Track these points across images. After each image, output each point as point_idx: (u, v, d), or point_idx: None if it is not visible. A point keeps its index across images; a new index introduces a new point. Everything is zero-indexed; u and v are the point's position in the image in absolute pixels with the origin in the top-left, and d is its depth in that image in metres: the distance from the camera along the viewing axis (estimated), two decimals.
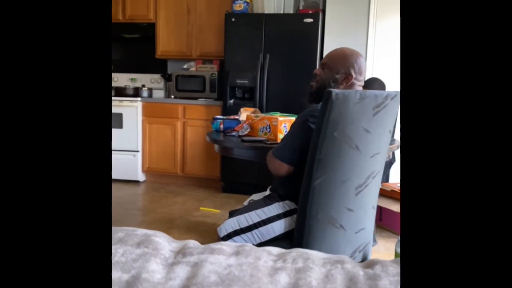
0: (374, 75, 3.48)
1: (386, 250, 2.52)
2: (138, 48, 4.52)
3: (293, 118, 2.09)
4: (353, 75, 1.53)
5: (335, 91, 1.31)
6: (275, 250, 0.43)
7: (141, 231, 0.45)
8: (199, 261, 0.39)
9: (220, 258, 0.39)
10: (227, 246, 0.42)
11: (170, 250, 0.42)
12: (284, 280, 0.36)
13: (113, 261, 0.38)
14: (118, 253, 0.40)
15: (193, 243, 0.44)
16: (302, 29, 3.45)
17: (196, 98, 3.96)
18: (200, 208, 3.31)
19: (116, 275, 0.37)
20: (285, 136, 1.55)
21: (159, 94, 4.42)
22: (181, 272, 0.38)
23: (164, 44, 4.15)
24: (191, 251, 0.40)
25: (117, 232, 0.43)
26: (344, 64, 1.54)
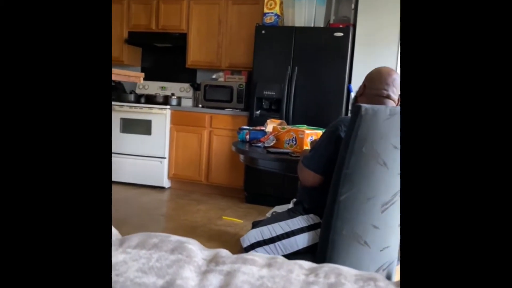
0: None
1: None
2: (169, 57, 4.63)
3: (320, 131, 2.08)
4: (366, 84, 1.58)
5: (364, 106, 1.31)
6: (306, 264, 0.43)
7: (175, 238, 0.46)
8: (232, 271, 0.39)
9: (252, 268, 0.39)
10: (259, 257, 0.42)
11: (202, 258, 0.43)
12: None
13: (148, 265, 0.39)
14: (153, 258, 0.41)
15: (225, 252, 0.45)
16: (332, 43, 3.45)
17: (223, 108, 4.01)
18: (223, 217, 3.33)
19: (151, 280, 0.38)
20: (315, 145, 1.55)
21: (187, 102, 4.50)
22: (214, 280, 0.39)
23: (195, 54, 4.23)
24: (223, 260, 0.41)
25: (151, 238, 0.45)
26: (365, 78, 1.62)
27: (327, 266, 0.43)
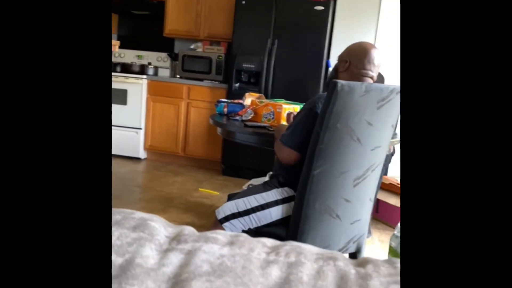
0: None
1: (380, 242, 2.54)
2: (146, 25, 4.48)
3: (297, 106, 2.08)
4: (351, 61, 1.53)
5: (340, 82, 1.30)
6: (269, 241, 0.44)
7: (139, 215, 0.45)
8: (193, 249, 0.39)
9: (214, 247, 0.39)
10: (222, 235, 0.42)
11: (165, 236, 0.42)
12: (275, 274, 0.37)
13: None
14: (114, 235, 0.40)
15: (188, 229, 0.45)
16: (313, 17, 3.41)
17: (201, 80, 3.94)
18: (199, 189, 3.34)
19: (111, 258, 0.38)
20: (293, 123, 1.55)
21: (164, 72, 4.40)
22: (175, 259, 0.39)
23: (173, 23, 4.11)
24: (185, 239, 0.41)
25: (115, 214, 0.44)
26: (347, 53, 1.58)
27: (289, 244, 0.43)
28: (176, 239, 0.41)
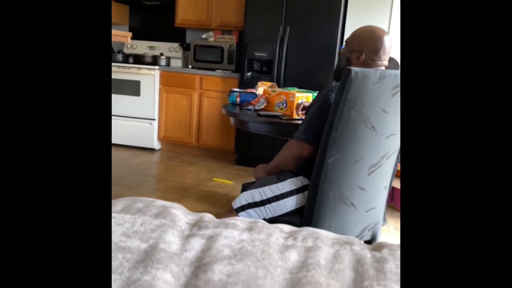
0: (395, 53, 3.39)
1: (395, 229, 2.53)
2: (158, 15, 4.49)
3: (310, 94, 2.07)
4: (366, 54, 1.50)
5: (354, 69, 1.30)
6: (286, 227, 0.45)
7: (160, 202, 0.46)
8: (214, 235, 0.40)
9: (233, 232, 0.41)
10: (241, 221, 0.43)
11: (186, 222, 0.44)
12: (293, 258, 0.38)
13: (132, 230, 0.40)
14: (137, 222, 0.42)
15: (208, 216, 0.46)
16: (325, 3, 3.37)
17: (213, 69, 3.95)
18: (214, 178, 3.36)
19: (135, 244, 0.39)
20: (307, 117, 1.54)
21: (177, 63, 4.42)
22: (196, 244, 0.40)
23: (184, 13, 4.11)
24: (206, 225, 0.42)
25: (136, 202, 0.45)
26: (359, 42, 1.53)
27: (306, 230, 0.44)
28: (196, 225, 0.42)
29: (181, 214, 0.44)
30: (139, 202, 0.45)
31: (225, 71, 3.91)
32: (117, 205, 0.44)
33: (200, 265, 0.36)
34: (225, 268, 0.35)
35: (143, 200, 0.46)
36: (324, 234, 0.43)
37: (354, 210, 1.51)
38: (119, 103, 4.11)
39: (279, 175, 1.63)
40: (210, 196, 2.99)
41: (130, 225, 0.40)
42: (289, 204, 1.56)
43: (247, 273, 0.34)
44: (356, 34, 1.56)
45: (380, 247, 0.41)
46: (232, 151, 3.91)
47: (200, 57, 4.02)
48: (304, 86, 2.97)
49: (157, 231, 0.41)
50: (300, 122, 1.83)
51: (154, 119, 4.09)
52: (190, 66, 4.10)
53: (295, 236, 0.41)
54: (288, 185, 1.57)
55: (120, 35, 2.40)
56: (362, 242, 0.47)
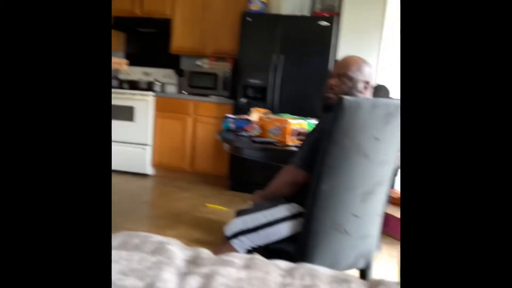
0: (386, 81, 3.46)
1: (389, 256, 2.52)
2: (153, 42, 4.55)
3: (304, 121, 2.10)
4: (371, 83, 1.57)
5: (347, 98, 1.32)
6: (283, 264, 0.45)
7: (156, 238, 0.46)
8: (211, 273, 0.40)
9: (231, 271, 0.40)
10: (238, 258, 0.43)
11: (183, 259, 0.44)
12: None
13: (129, 267, 0.40)
14: (134, 260, 0.42)
15: (205, 253, 0.46)
16: (317, 32, 3.45)
17: (207, 95, 3.98)
18: (206, 204, 3.34)
19: (132, 282, 0.39)
20: (304, 144, 1.55)
21: (171, 89, 4.45)
22: (194, 282, 0.40)
23: (179, 40, 4.17)
24: (203, 262, 0.42)
25: (132, 238, 0.45)
26: (362, 73, 1.59)
27: (303, 267, 0.44)
28: (194, 262, 0.42)
29: (178, 251, 0.44)
30: (136, 238, 0.45)
31: (220, 97, 3.94)
32: (113, 240, 0.44)
33: None
34: None
35: (140, 236, 0.46)
36: (321, 271, 0.43)
37: (348, 237, 1.50)
38: (114, 128, 4.11)
39: (273, 201, 1.63)
40: (203, 222, 2.96)
41: (126, 262, 0.40)
42: (283, 230, 1.55)
43: None
44: (357, 65, 1.61)
45: (377, 284, 0.41)
46: (225, 176, 3.90)
47: (195, 83, 4.06)
48: (298, 113, 3.00)
49: (154, 268, 0.40)
50: (294, 148, 1.84)
51: (148, 145, 4.09)
52: (184, 92, 4.13)
53: (293, 274, 0.41)
54: (281, 211, 1.57)
55: (116, 62, 2.43)
56: (357, 276, 0.47)
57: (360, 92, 1.59)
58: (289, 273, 0.42)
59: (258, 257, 0.45)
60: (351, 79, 1.59)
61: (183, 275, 0.41)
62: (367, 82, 1.58)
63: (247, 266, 0.41)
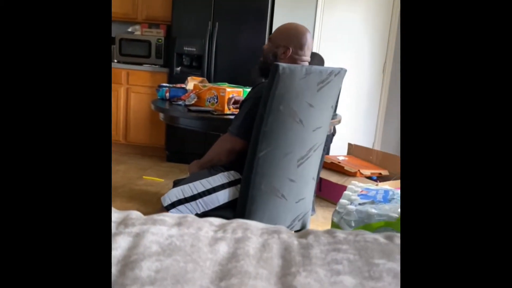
0: (320, 51, 3.54)
1: (324, 219, 2.66)
2: None
3: (241, 89, 2.09)
4: (292, 49, 1.56)
5: (282, 65, 1.33)
6: (217, 221, 0.45)
7: None
8: (141, 232, 0.39)
9: (162, 228, 0.40)
10: (170, 217, 0.43)
11: (112, 221, 0.42)
12: (223, 250, 0.38)
13: None
14: None
15: (135, 213, 0.45)
16: (252, 2, 3.40)
17: (141, 64, 3.82)
18: (143, 176, 3.26)
19: None
20: (241, 113, 1.55)
21: None
22: (123, 242, 0.39)
23: None
24: (133, 222, 0.41)
25: None
26: (284, 38, 1.58)
27: (235, 222, 0.45)
28: (123, 223, 0.41)
29: None
30: None
31: (153, 66, 3.80)
32: None
33: (127, 263, 0.35)
34: (154, 265, 0.34)
35: None
36: (253, 224, 0.44)
37: (284, 202, 1.55)
38: None
39: (211, 170, 1.63)
40: (140, 194, 2.90)
41: None
42: (221, 197, 1.56)
43: (176, 268, 0.34)
44: (281, 30, 1.61)
45: (306, 234, 0.43)
46: (162, 148, 3.82)
47: (126, 51, 3.86)
48: (235, 81, 2.98)
49: None
50: (231, 117, 1.84)
51: None
52: (115, 61, 3.92)
53: (225, 228, 0.42)
54: (219, 179, 1.58)
55: None
56: (290, 230, 0.49)
57: (278, 57, 1.58)
58: (221, 227, 0.43)
59: (191, 215, 0.45)
60: (273, 42, 1.60)
61: (112, 236, 0.40)
62: (286, 48, 1.57)
63: (179, 224, 0.41)
